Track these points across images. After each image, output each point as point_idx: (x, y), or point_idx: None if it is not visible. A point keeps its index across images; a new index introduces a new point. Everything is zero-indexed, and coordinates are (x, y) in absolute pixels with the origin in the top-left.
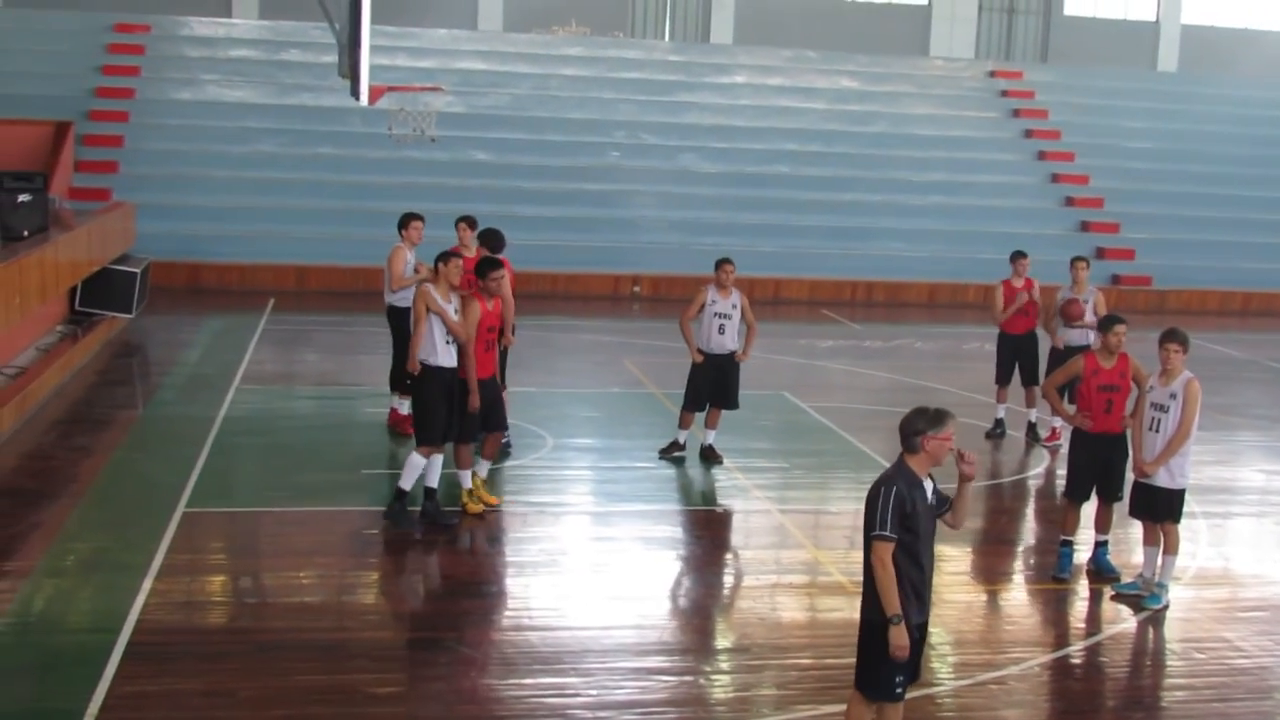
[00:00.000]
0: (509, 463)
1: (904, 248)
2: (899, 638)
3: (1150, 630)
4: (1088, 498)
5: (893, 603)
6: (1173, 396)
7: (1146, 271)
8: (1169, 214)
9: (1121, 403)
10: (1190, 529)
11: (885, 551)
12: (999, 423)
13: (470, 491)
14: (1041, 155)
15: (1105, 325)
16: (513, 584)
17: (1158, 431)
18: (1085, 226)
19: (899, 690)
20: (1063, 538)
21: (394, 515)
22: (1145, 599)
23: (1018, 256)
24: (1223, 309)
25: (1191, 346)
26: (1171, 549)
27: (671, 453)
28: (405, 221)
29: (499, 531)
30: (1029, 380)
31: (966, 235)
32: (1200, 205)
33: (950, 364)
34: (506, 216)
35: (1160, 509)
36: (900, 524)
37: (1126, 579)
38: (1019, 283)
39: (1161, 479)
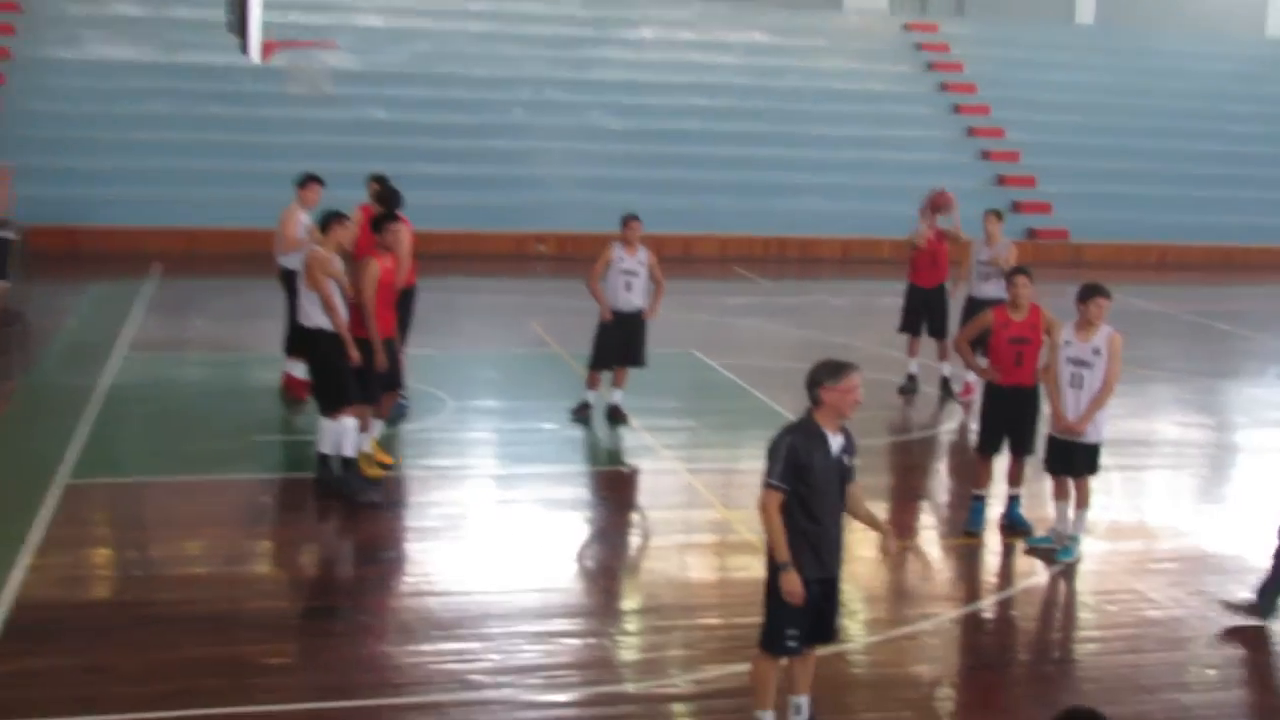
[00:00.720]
0: (408, 426)
1: (817, 203)
2: (789, 583)
3: (1062, 583)
4: (998, 451)
5: (780, 551)
6: (1096, 352)
7: (1063, 225)
8: (1085, 167)
9: (1032, 355)
10: (1105, 481)
11: (772, 500)
12: (911, 378)
13: (367, 455)
14: (957, 109)
15: (1007, 278)
16: (412, 549)
17: (1080, 388)
18: (1001, 180)
19: (791, 644)
20: (974, 492)
21: (348, 485)
22: (1058, 552)
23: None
24: (1139, 262)
25: (1117, 298)
26: (1084, 502)
27: (582, 414)
28: (303, 182)
29: (398, 495)
30: (937, 333)
31: (881, 190)
32: (1117, 158)
33: (863, 320)
34: (408, 175)
35: (1079, 463)
36: (794, 476)
37: (1039, 533)
38: (948, 223)
39: (1079, 435)
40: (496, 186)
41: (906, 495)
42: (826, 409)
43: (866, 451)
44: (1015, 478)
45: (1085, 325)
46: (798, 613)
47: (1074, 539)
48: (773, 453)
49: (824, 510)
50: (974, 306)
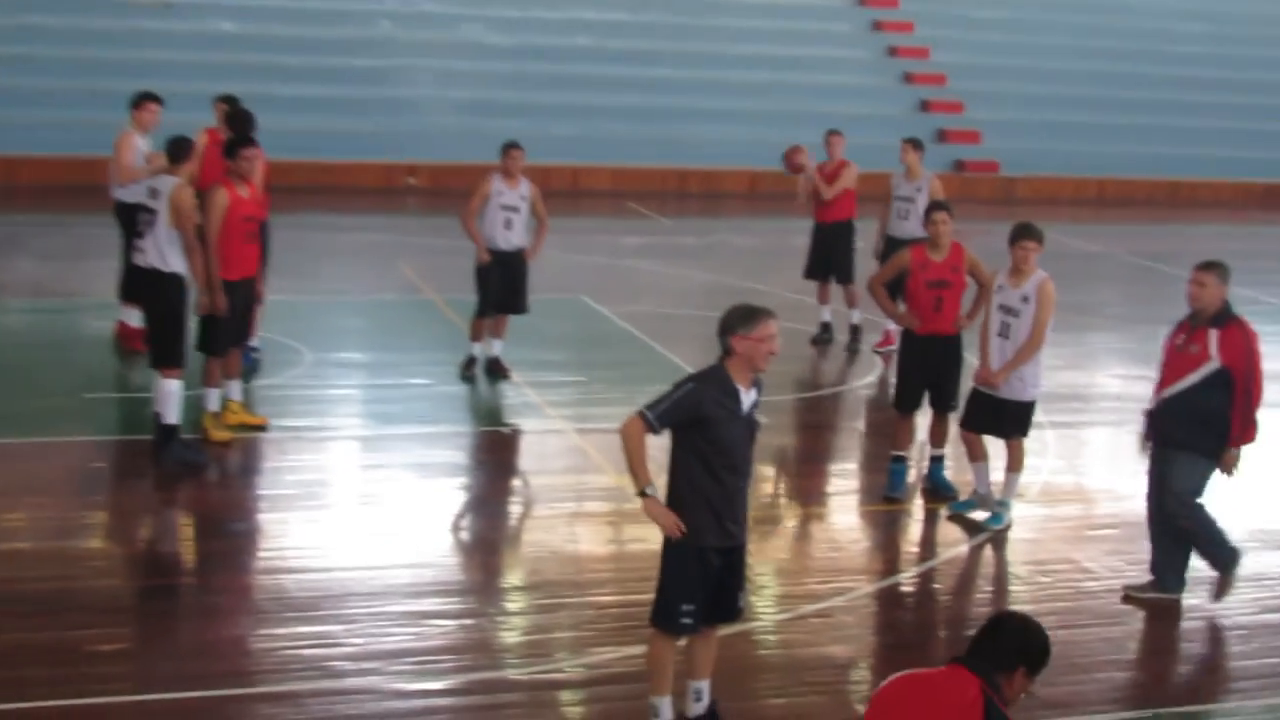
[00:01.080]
0: (259, 381)
1: (721, 131)
2: (652, 507)
3: (990, 553)
4: (918, 407)
5: (640, 477)
6: (1025, 299)
7: (993, 156)
8: (1019, 92)
9: (954, 300)
10: (1038, 440)
11: (636, 428)
12: (825, 327)
13: (214, 415)
14: (877, 26)
15: (925, 214)
16: (265, 520)
17: (1007, 338)
18: (926, 106)
19: (686, 621)
20: (894, 453)
21: (173, 454)
22: (986, 519)
23: (832, 134)
24: (1077, 198)
25: (1051, 239)
26: (1016, 465)
27: (471, 371)
28: (138, 103)
29: (250, 460)
30: (841, 276)
31: (793, 116)
32: (1053, 83)
33: (774, 262)
34: (259, 97)
35: (1008, 423)
36: (694, 429)
37: (963, 497)
38: (830, 163)
39: (1012, 389)
40: (360, 110)
41: (818, 457)
42: (738, 360)
43: (774, 409)
44: (938, 437)
45: (1016, 270)
46: (694, 584)
47: (1003, 504)
48: (670, 392)
49: (730, 471)
50: (892, 246)
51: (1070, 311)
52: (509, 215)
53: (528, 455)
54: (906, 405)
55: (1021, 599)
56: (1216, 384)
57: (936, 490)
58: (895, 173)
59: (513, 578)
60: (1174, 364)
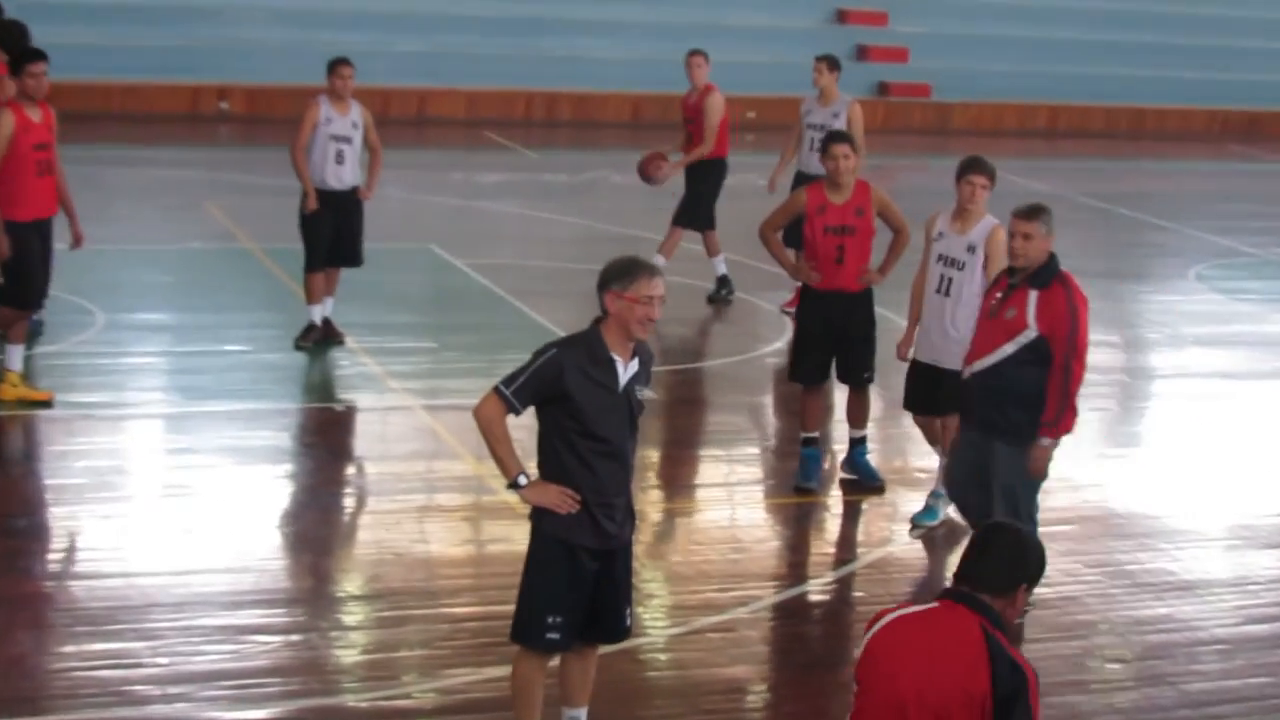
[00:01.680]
0: (40, 347)
1: (598, 46)
2: (540, 495)
3: (922, 553)
4: (823, 378)
5: (509, 465)
6: (971, 249)
7: (923, 78)
8: (953, 2)
9: (858, 250)
10: None
11: (493, 408)
12: (723, 280)
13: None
14: None
15: (822, 146)
16: (50, 516)
17: (948, 295)
18: (842, 17)
19: (552, 636)
20: (803, 434)
21: None
22: (917, 514)
23: (694, 55)
24: (1023, 128)
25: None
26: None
27: (309, 339)
28: None
29: (30, 444)
30: (701, 221)
31: (684, 30)
32: None
33: (663, 205)
34: (37, 4)
35: (944, 398)
36: (555, 404)
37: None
38: (694, 93)
39: (952, 358)
40: (160, 19)
41: (715, 440)
42: (612, 322)
43: (662, 382)
44: (855, 416)
45: (961, 213)
46: (561, 590)
47: (937, 496)
48: (529, 362)
49: (604, 456)
50: (802, 184)
51: None
52: (340, 147)
53: (366, 437)
54: (808, 376)
55: None
56: (1034, 357)
57: (860, 479)
58: (806, 96)
59: (349, 585)
60: (986, 330)
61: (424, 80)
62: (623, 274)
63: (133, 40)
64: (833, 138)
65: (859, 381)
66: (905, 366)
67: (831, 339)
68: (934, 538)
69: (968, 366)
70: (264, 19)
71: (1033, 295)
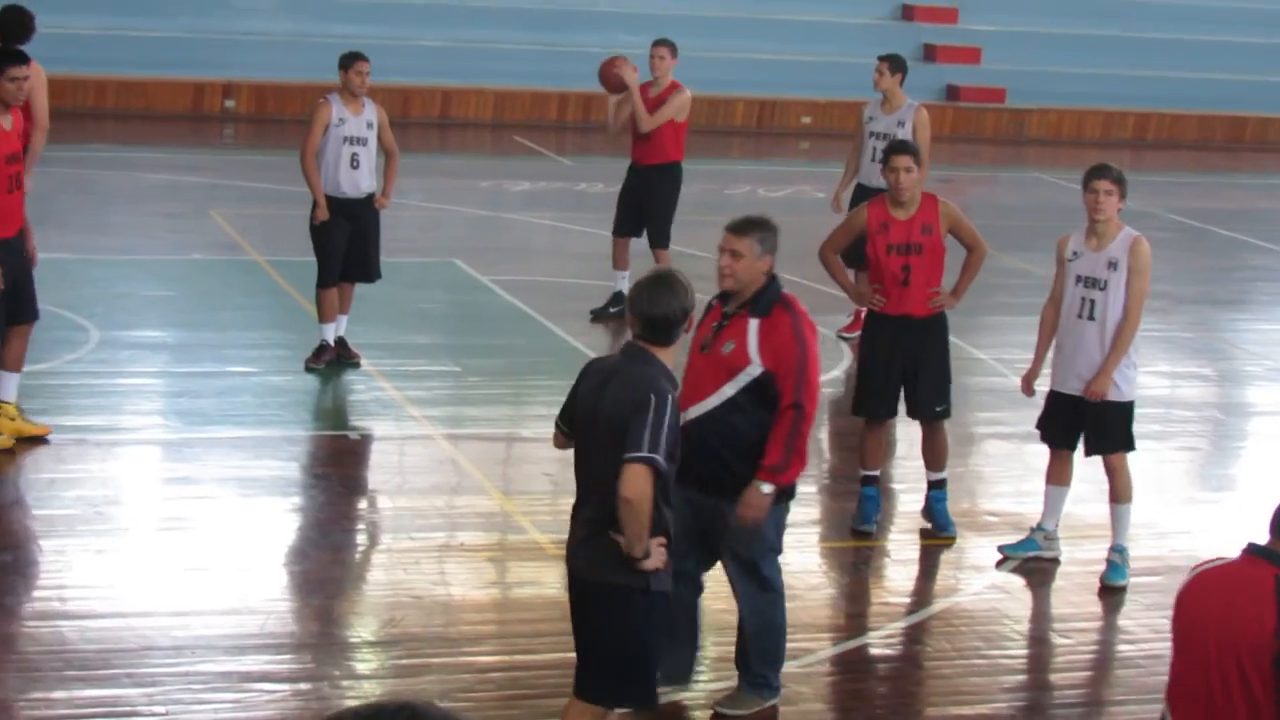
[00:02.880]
0: (30, 366)
1: (637, 43)
2: (658, 555)
3: (995, 605)
4: (889, 413)
5: (641, 545)
6: (1112, 265)
7: (998, 81)
8: None
9: (926, 270)
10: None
11: (649, 483)
12: (619, 298)
13: None
14: None
15: (883, 158)
16: (39, 550)
17: (1093, 318)
18: (908, 13)
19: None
20: (863, 473)
21: None
22: (1106, 573)
23: (655, 45)
24: (1107, 137)
25: (1077, 192)
26: (1125, 493)
27: (321, 360)
28: None
29: (18, 471)
30: (655, 237)
31: (731, 25)
32: None
33: (707, 217)
34: None
35: (1108, 433)
36: (670, 450)
37: (1017, 536)
38: (656, 88)
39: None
40: (161, 10)
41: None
42: (671, 351)
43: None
44: (932, 455)
45: (1093, 227)
46: (664, 642)
47: (1119, 550)
48: (651, 414)
49: (671, 490)
50: (864, 197)
51: None
52: (354, 150)
53: (382, 468)
54: (873, 409)
55: (1035, 665)
56: (759, 396)
57: (935, 526)
58: (869, 101)
59: (362, 630)
60: (700, 369)
61: (447, 78)
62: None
63: (130, 31)
64: (894, 148)
65: (932, 416)
66: (986, 398)
67: (898, 369)
68: (1011, 585)
69: (681, 414)
70: (272, 10)
71: (753, 325)
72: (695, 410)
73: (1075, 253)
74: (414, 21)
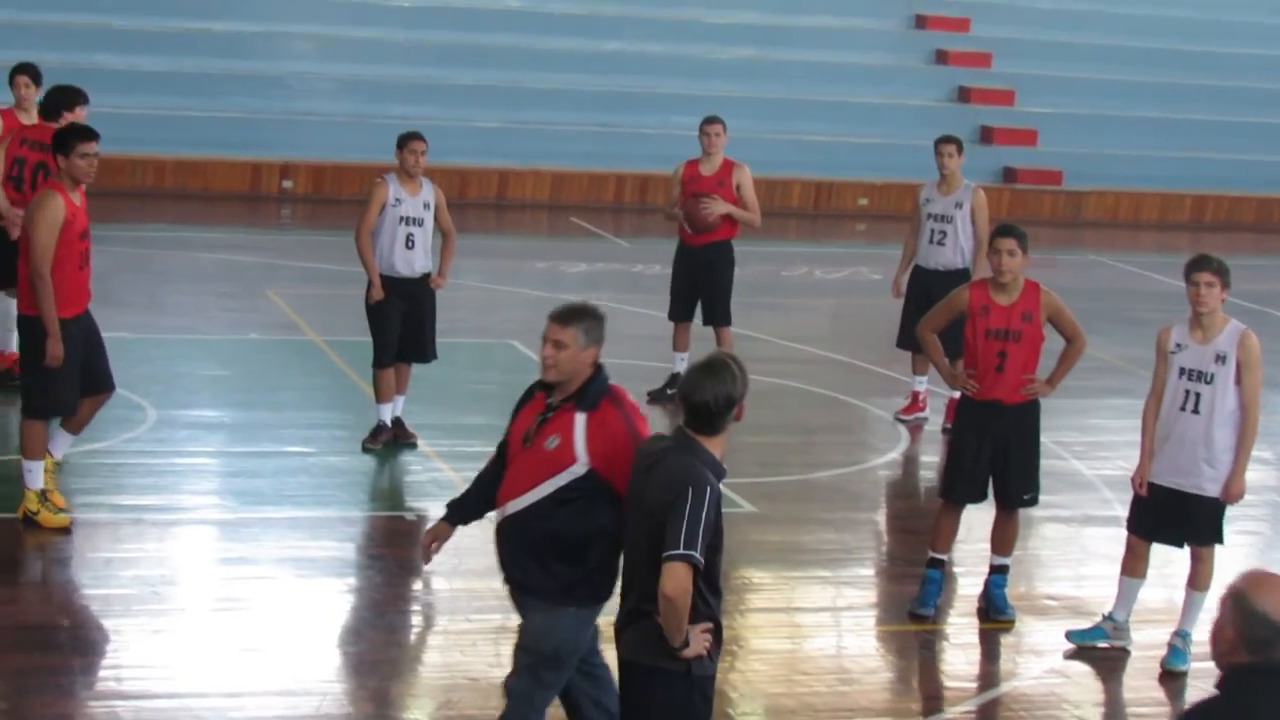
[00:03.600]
0: (86, 445)
1: (692, 124)
2: (698, 642)
3: (1055, 690)
4: (978, 498)
5: (680, 632)
6: (1220, 359)
7: (1054, 164)
8: (1086, 79)
9: (1022, 358)
10: (1118, 543)
11: (689, 579)
12: (675, 378)
13: (44, 493)
14: None
15: (990, 241)
16: (94, 629)
17: (1197, 412)
18: (965, 95)
19: None
20: (931, 554)
21: None
22: (1167, 657)
23: (708, 123)
24: (1165, 219)
25: (1134, 274)
26: (1204, 582)
27: (378, 441)
28: None
29: (75, 551)
30: (714, 317)
31: (785, 106)
32: (1132, 66)
33: (765, 299)
34: (81, 71)
35: (1202, 527)
36: (711, 540)
37: (1084, 623)
38: (709, 166)
39: (1199, 478)
40: (218, 90)
41: (820, 560)
42: (725, 437)
43: (762, 493)
44: (1002, 540)
45: (1197, 320)
46: None
47: (1183, 636)
48: (689, 510)
49: (716, 588)
50: (922, 281)
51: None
52: (410, 230)
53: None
54: (962, 494)
55: None
56: (583, 494)
57: (991, 610)
58: (925, 183)
59: (418, 712)
60: (522, 463)
61: (504, 159)
62: (746, 383)
63: (189, 111)
64: (1000, 230)
65: (1019, 504)
66: (1044, 481)
67: (988, 455)
68: (1070, 670)
69: (498, 509)
70: (330, 91)
71: (579, 420)
72: (513, 506)
73: (1179, 345)
74: (471, 103)
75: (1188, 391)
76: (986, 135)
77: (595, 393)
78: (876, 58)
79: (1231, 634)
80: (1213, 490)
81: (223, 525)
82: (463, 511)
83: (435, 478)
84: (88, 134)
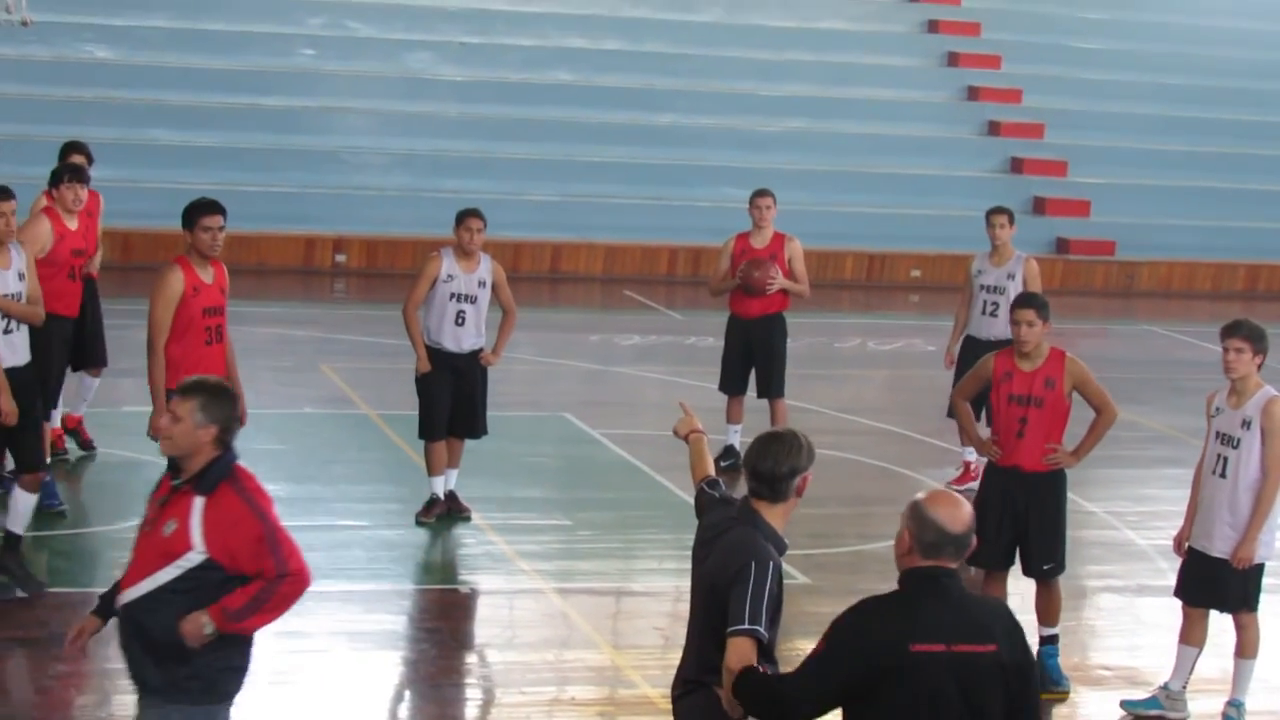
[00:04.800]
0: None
1: (744, 197)
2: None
3: None
4: (996, 565)
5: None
6: (1246, 424)
7: (1107, 234)
8: (1138, 149)
9: (1044, 425)
10: (1173, 613)
11: (753, 652)
12: (730, 451)
13: None
14: (953, 60)
15: (1011, 309)
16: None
17: (1224, 476)
18: (1017, 166)
19: None
20: None
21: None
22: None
23: (759, 196)
24: (1218, 290)
25: (1188, 344)
26: (1250, 649)
27: (432, 514)
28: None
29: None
30: (768, 389)
31: (842, 178)
32: (1184, 136)
33: (818, 370)
34: (136, 146)
35: (1230, 593)
36: (772, 615)
37: (1139, 693)
38: (761, 239)
39: (1227, 547)
40: (273, 165)
41: None
42: (790, 505)
43: (815, 564)
44: (1042, 609)
45: (1232, 386)
46: None
47: (1237, 705)
48: (752, 584)
49: (774, 650)
50: (978, 352)
51: None
52: (462, 308)
53: (492, 622)
54: (983, 560)
55: None
56: (200, 585)
57: (1047, 681)
58: (978, 254)
59: None
60: (143, 548)
61: (557, 232)
62: (812, 454)
63: (242, 186)
64: (1018, 301)
65: (1038, 574)
66: (1098, 551)
67: (1009, 521)
68: None
69: (119, 595)
70: (384, 165)
71: (197, 504)
72: (130, 595)
73: (1218, 409)
74: (524, 176)
75: (1219, 455)
76: (1039, 206)
77: (215, 475)
78: (929, 129)
79: (908, 538)
80: (1260, 555)
81: None
82: (109, 603)
83: (489, 551)
84: (211, 207)
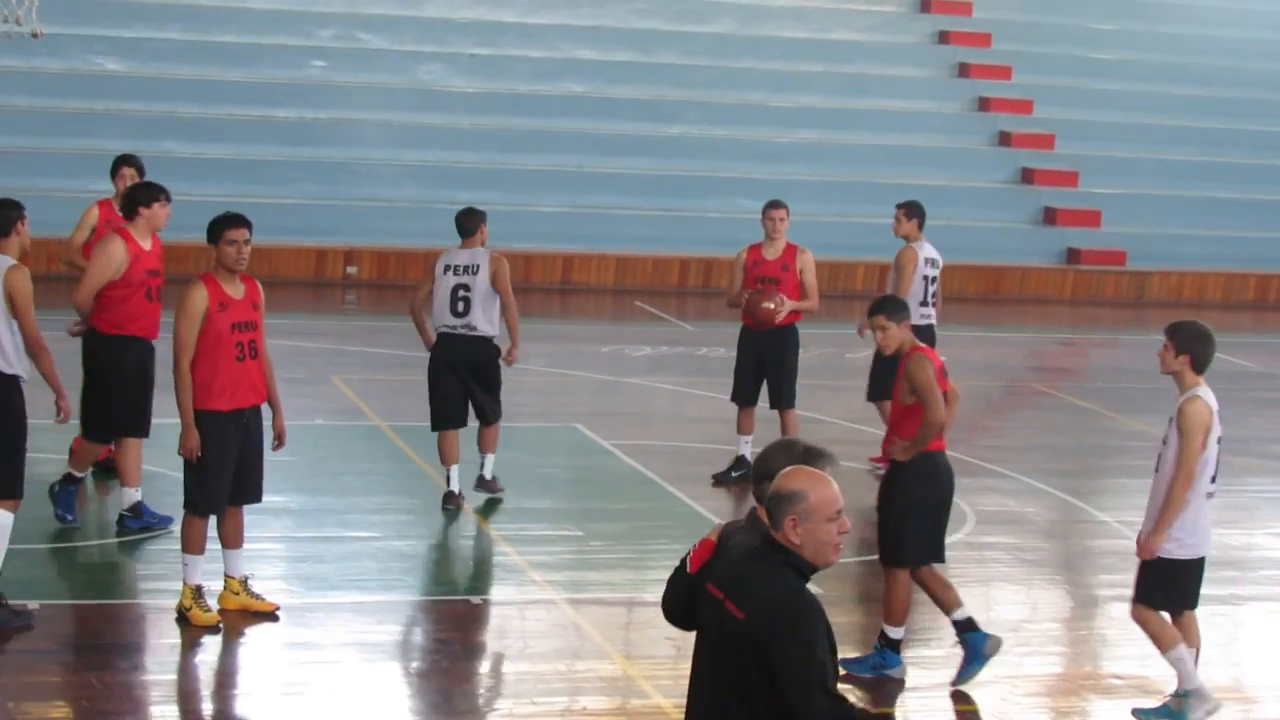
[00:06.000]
0: (152, 530)
1: (756, 208)
2: None
3: None
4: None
5: None
6: (1171, 422)
7: (1118, 244)
8: (1149, 159)
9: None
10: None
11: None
12: (741, 461)
13: (197, 591)
14: (964, 70)
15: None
16: (159, 715)
17: (1158, 471)
18: (1028, 176)
19: None
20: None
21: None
22: (1145, 709)
23: (771, 208)
24: (1229, 300)
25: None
26: (1158, 645)
27: (451, 504)
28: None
29: (137, 636)
30: (779, 399)
31: (854, 189)
32: (1195, 146)
33: (828, 381)
34: (148, 157)
35: (1139, 582)
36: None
37: (1152, 702)
38: (773, 250)
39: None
40: (284, 177)
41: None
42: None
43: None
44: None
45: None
46: None
47: (1178, 695)
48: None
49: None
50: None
51: (1223, 450)
52: (462, 288)
53: (503, 633)
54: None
55: None
56: None
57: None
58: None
59: None
60: None
61: (568, 244)
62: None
63: (253, 198)
64: (876, 307)
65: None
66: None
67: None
68: None
69: None
70: (395, 177)
71: None
72: None
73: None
74: (536, 188)
75: (1159, 454)
76: (1050, 216)
77: None
78: (940, 140)
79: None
80: (1167, 551)
81: (289, 610)
82: None
83: (501, 561)
84: (236, 220)
